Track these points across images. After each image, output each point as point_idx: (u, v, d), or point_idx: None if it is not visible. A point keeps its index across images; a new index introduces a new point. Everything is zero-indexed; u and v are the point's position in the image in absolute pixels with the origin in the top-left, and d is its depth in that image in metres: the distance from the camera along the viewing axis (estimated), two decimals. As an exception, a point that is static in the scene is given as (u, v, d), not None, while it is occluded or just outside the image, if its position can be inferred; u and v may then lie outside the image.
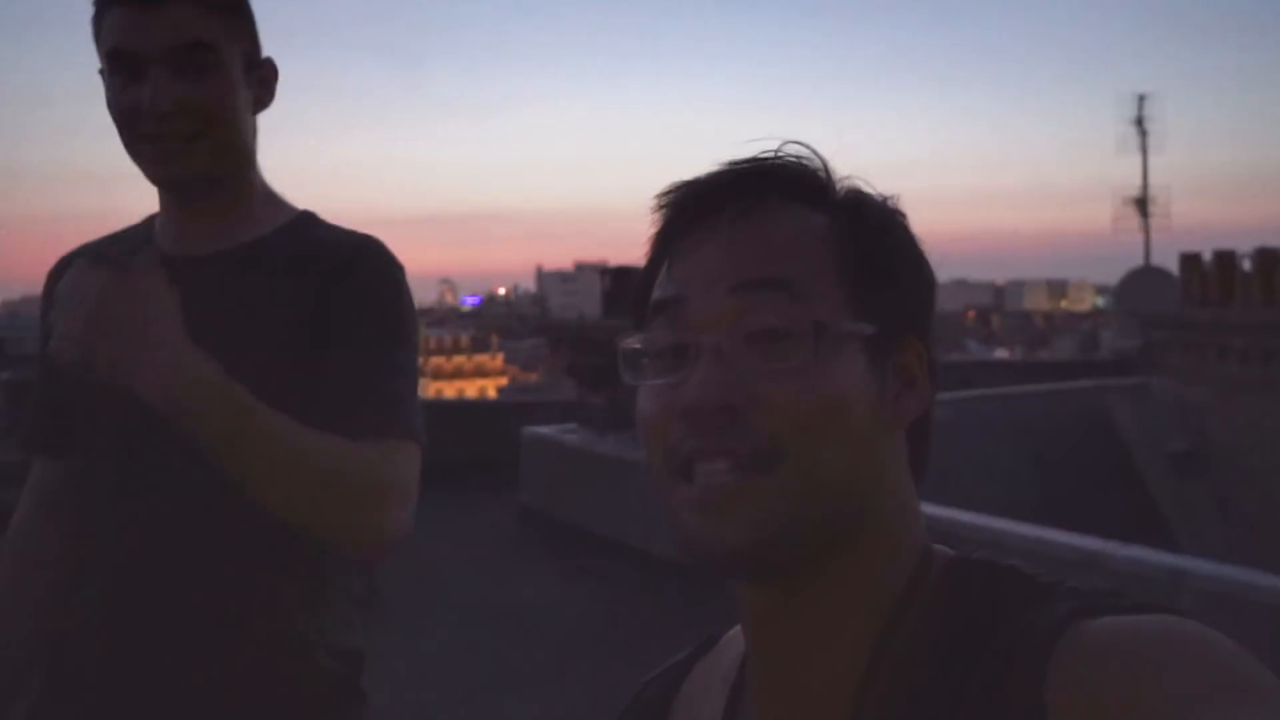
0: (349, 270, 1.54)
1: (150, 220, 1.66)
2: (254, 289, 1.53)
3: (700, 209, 0.82)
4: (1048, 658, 0.68)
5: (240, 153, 1.56)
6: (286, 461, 1.35)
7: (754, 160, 0.84)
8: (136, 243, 1.63)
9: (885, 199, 0.85)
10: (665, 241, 0.84)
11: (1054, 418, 12.65)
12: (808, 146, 0.84)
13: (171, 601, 1.46)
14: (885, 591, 0.79)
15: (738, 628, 0.91)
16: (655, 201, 0.85)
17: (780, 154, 0.84)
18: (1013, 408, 12.68)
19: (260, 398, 1.40)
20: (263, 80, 1.59)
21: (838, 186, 0.84)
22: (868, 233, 0.82)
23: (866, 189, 0.85)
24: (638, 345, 0.82)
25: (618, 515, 8.45)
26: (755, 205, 0.80)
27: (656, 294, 0.83)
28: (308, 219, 1.64)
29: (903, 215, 0.85)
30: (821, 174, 0.84)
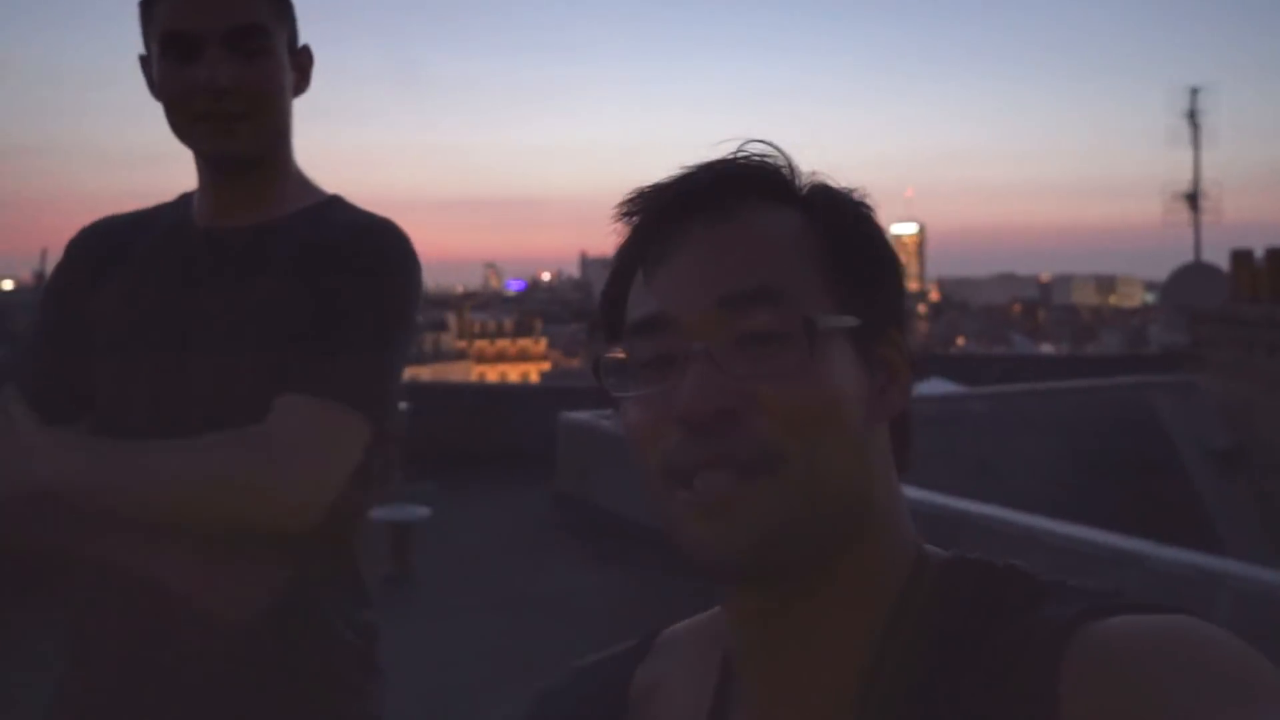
0: (349, 250, 1.56)
1: (186, 197, 1.69)
2: (263, 268, 1.56)
3: (672, 215, 0.80)
4: (1061, 657, 0.67)
5: (280, 134, 1.62)
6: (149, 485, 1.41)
7: (720, 161, 0.82)
8: (167, 219, 1.67)
9: (852, 192, 0.84)
10: (636, 250, 0.82)
11: (1097, 414, 12.49)
12: (771, 144, 0.83)
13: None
14: (884, 590, 0.78)
15: (677, 627, 0.91)
16: (619, 210, 0.83)
17: (744, 154, 0.83)
18: (1055, 403, 12.54)
19: (257, 380, 1.47)
20: (301, 66, 1.65)
21: (804, 183, 0.83)
22: (843, 227, 0.81)
23: (833, 184, 0.84)
24: (622, 356, 0.80)
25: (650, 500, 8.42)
26: (730, 207, 0.79)
27: (637, 311, 0.80)
28: (334, 202, 1.67)
29: (871, 208, 0.84)
30: (786, 171, 0.83)
